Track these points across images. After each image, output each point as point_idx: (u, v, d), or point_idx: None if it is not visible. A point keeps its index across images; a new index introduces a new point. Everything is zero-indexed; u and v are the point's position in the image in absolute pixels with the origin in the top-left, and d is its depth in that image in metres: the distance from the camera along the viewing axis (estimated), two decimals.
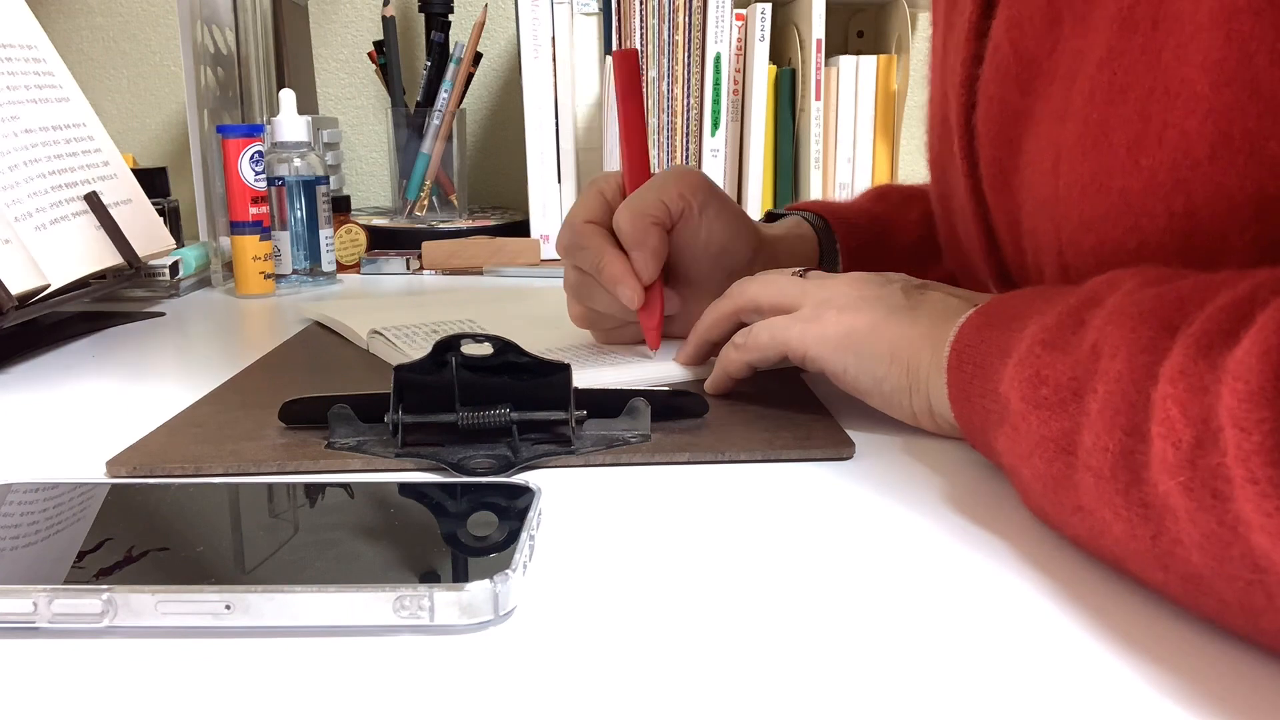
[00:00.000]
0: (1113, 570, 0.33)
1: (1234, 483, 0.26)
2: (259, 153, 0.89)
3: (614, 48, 1.09)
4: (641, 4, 1.09)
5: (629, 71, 0.60)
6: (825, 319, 0.48)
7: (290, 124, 0.92)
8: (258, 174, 0.89)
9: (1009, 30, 0.46)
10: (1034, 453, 0.34)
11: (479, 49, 1.18)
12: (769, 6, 1.09)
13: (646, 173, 0.60)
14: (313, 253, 0.94)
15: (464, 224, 1.14)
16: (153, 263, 0.86)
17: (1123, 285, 0.34)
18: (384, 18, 1.19)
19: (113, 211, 0.77)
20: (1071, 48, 0.43)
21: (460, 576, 0.31)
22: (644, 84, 0.57)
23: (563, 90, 1.11)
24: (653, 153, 1.12)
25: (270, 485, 0.40)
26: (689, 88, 1.11)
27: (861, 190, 0.85)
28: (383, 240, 1.09)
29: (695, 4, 1.09)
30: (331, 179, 1.04)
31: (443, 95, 1.16)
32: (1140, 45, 0.38)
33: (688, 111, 1.12)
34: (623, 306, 0.58)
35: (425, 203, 1.17)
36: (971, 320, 0.41)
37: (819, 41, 1.10)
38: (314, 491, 0.39)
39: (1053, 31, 0.44)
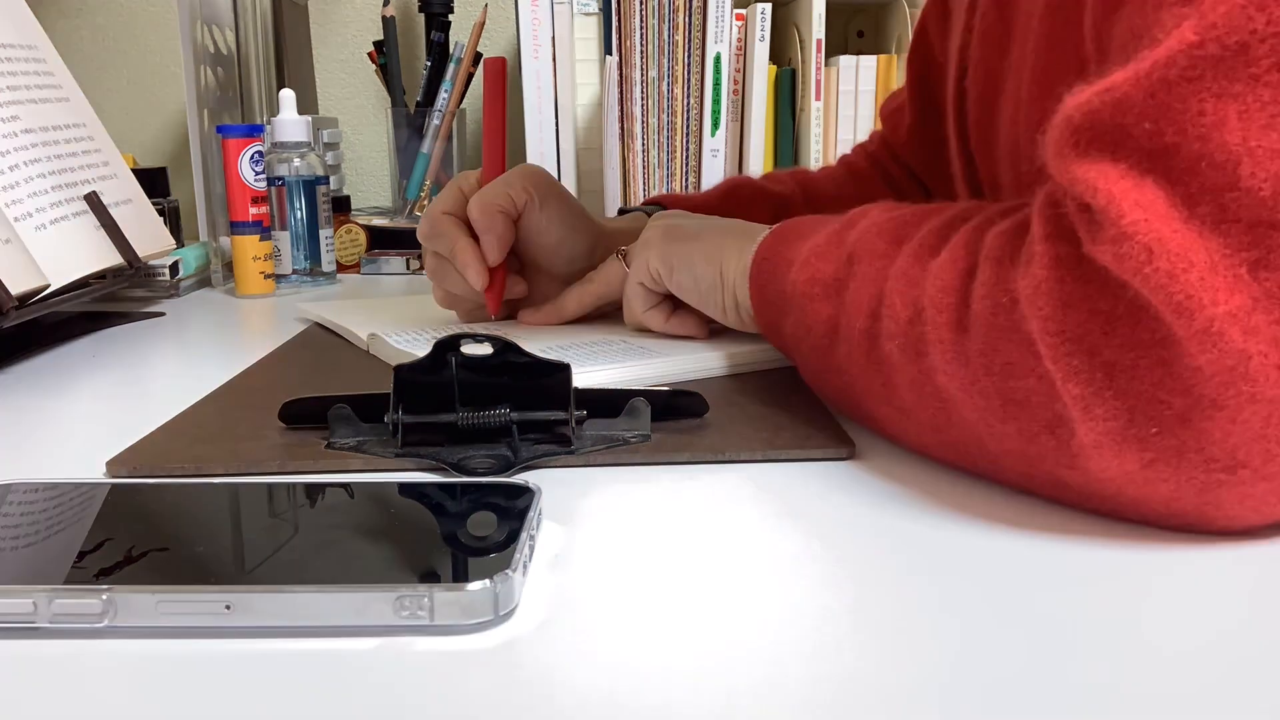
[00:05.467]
0: (866, 424, 0.46)
1: (928, 343, 0.38)
2: (259, 153, 0.89)
3: (614, 48, 1.09)
4: (641, 4, 1.08)
5: (496, 78, 0.67)
6: (656, 245, 0.60)
7: (290, 124, 0.92)
8: (258, 174, 0.89)
9: None
10: (810, 333, 0.46)
11: (479, 49, 1.18)
12: (769, 6, 1.09)
13: (501, 171, 0.68)
14: (313, 253, 0.94)
15: None
16: (153, 263, 0.86)
17: (870, 214, 0.46)
18: (384, 18, 1.19)
19: (113, 211, 0.77)
20: (1024, 7, 0.49)
21: (460, 576, 0.31)
22: (506, 90, 0.65)
23: (563, 90, 1.11)
24: (652, 152, 1.12)
25: (270, 485, 0.40)
26: (689, 88, 1.11)
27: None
28: (383, 240, 1.09)
29: (695, 4, 1.09)
30: (331, 179, 1.04)
31: (443, 95, 1.16)
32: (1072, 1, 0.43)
33: (688, 111, 1.12)
34: (474, 288, 0.66)
35: (425, 203, 1.17)
36: (768, 239, 0.52)
37: (819, 41, 1.10)
38: (314, 491, 0.39)
39: None
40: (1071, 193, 0.33)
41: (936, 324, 0.38)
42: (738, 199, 0.76)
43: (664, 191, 1.13)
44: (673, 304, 0.62)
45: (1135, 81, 0.32)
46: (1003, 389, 0.36)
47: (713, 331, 0.61)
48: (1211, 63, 0.31)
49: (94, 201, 0.76)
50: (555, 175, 1.11)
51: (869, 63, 1.13)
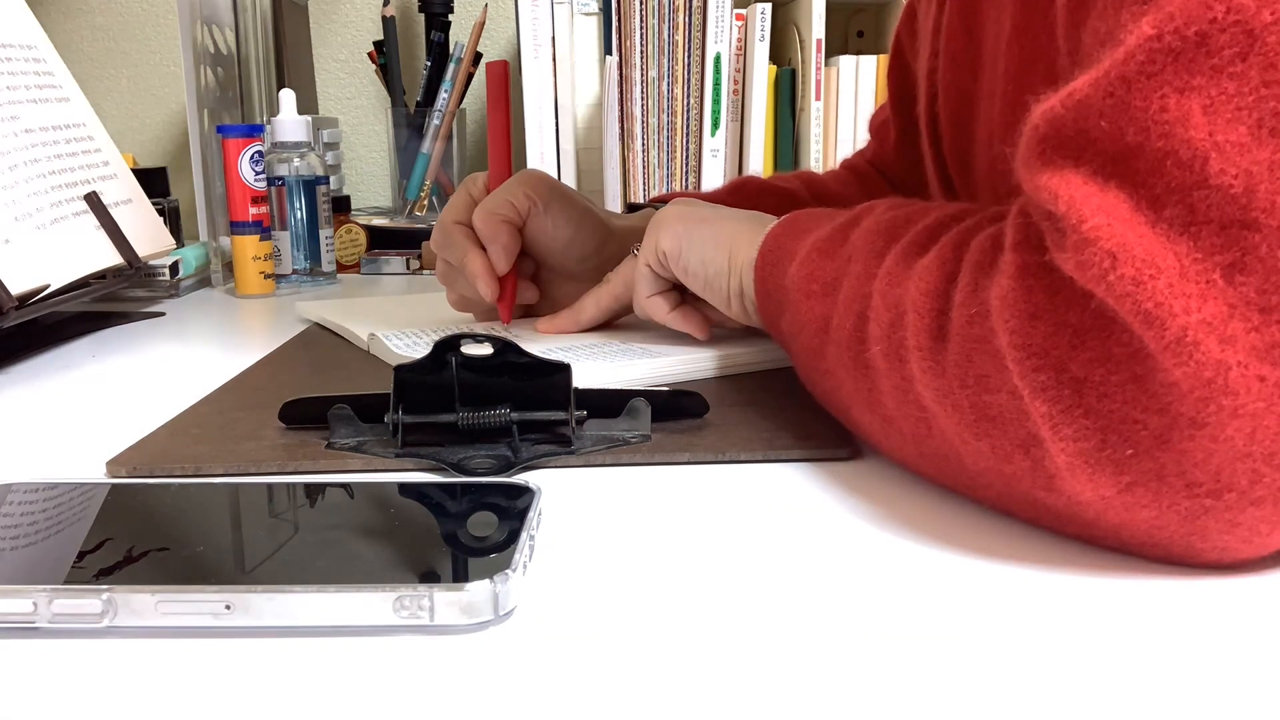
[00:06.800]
0: (853, 431, 0.45)
1: (908, 349, 0.36)
2: (259, 153, 0.89)
3: (614, 48, 1.09)
4: (641, 4, 1.08)
5: (499, 82, 0.66)
6: (667, 225, 0.57)
7: (290, 124, 0.92)
8: (258, 174, 0.89)
9: (963, 17, 0.51)
10: (803, 331, 0.45)
11: (479, 49, 1.18)
12: (769, 6, 1.09)
13: (508, 175, 0.67)
14: (313, 253, 0.94)
15: None
16: (153, 263, 0.86)
17: (876, 209, 0.44)
18: (384, 18, 1.19)
19: (113, 211, 0.77)
20: (992, 31, 0.48)
21: (460, 576, 0.31)
22: (509, 93, 0.64)
23: (563, 90, 1.11)
24: (652, 152, 1.12)
25: (270, 485, 0.40)
26: (689, 88, 1.11)
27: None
28: (383, 240, 1.09)
29: (695, 4, 1.09)
30: (331, 179, 1.04)
31: (443, 95, 1.16)
32: (1040, 20, 0.43)
33: (688, 111, 1.12)
34: (485, 299, 0.65)
35: (425, 203, 1.17)
36: (775, 229, 0.50)
37: (819, 41, 1.10)
38: (314, 491, 0.39)
39: (979, 14, 0.50)
40: (1036, 201, 0.32)
41: (916, 329, 0.36)
42: (745, 194, 0.75)
43: (664, 191, 1.13)
44: (679, 296, 0.60)
45: (1094, 83, 0.30)
46: (977, 403, 0.34)
47: (713, 333, 0.61)
48: (1170, 56, 0.29)
49: (94, 201, 0.76)
50: (556, 176, 1.11)
51: (869, 63, 1.13)
